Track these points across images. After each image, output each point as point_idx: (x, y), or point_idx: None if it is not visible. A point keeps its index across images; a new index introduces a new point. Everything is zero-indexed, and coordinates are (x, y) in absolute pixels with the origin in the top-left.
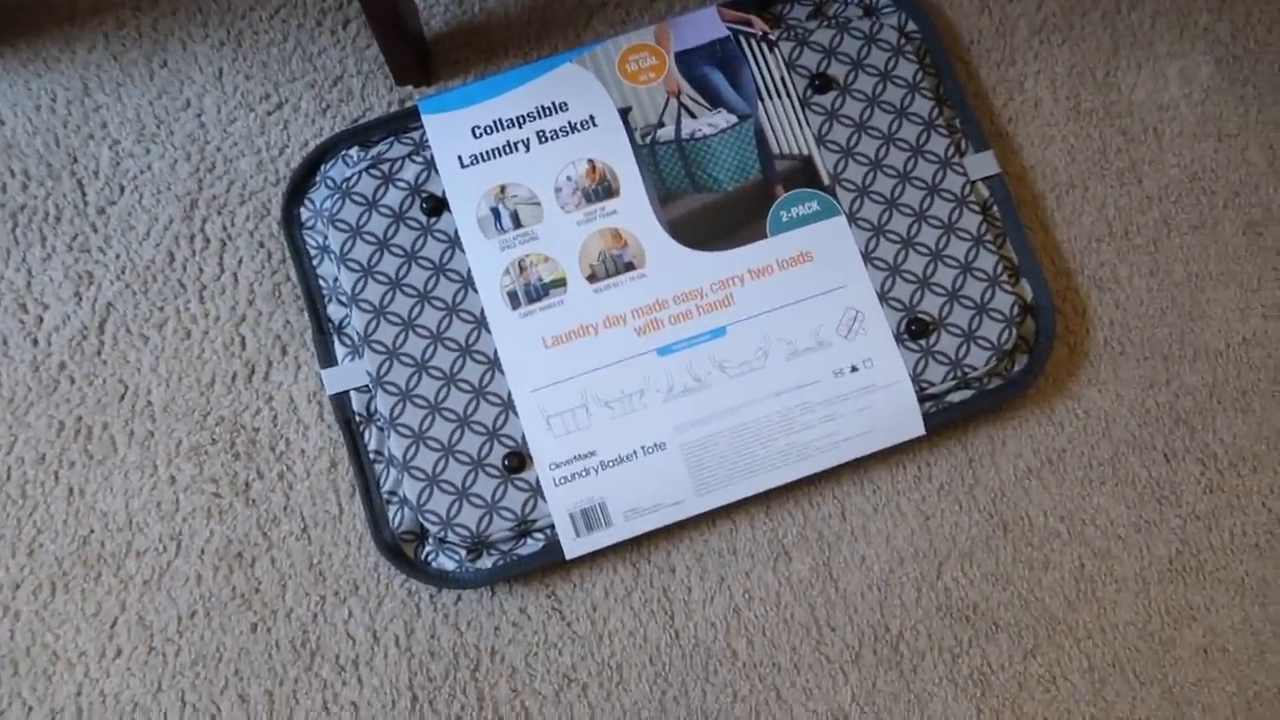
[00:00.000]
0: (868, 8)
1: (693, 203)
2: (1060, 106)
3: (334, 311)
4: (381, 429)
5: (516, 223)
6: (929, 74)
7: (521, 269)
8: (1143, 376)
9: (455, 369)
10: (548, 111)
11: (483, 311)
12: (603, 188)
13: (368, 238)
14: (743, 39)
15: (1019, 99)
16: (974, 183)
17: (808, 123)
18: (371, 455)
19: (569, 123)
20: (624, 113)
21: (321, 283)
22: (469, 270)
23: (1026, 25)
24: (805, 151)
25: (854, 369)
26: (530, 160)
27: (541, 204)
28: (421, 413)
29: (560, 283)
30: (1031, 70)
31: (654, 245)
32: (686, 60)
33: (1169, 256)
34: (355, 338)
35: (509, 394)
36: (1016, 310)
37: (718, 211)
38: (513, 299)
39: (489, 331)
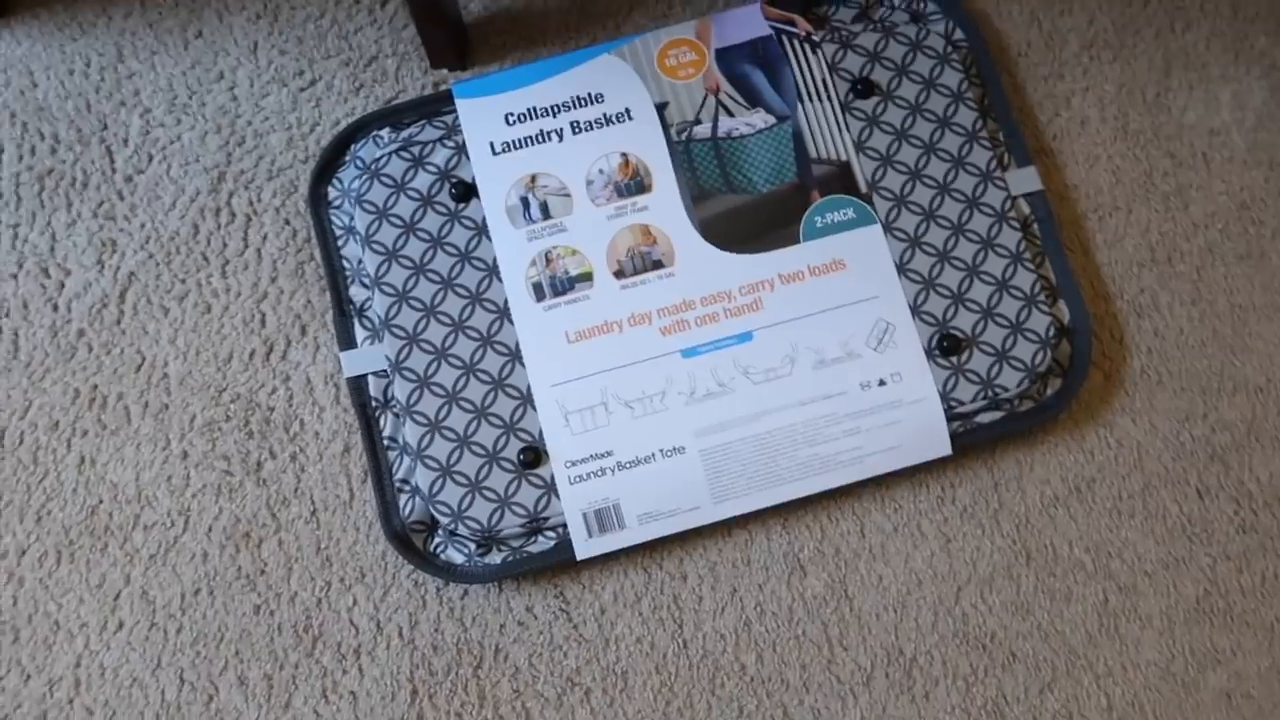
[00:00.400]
0: (915, 13)
1: (726, 203)
2: (1107, 125)
3: (356, 293)
4: (397, 415)
5: (546, 213)
6: (974, 84)
7: (548, 261)
8: (1179, 408)
9: (475, 359)
10: (583, 102)
11: (506, 302)
12: (635, 183)
13: (394, 220)
14: (785, 39)
15: (1065, 115)
16: (1015, 198)
17: (848, 128)
18: (386, 442)
19: (604, 115)
20: (660, 108)
21: (345, 264)
22: (494, 259)
23: (1077, 40)
24: (844, 157)
25: (882, 382)
26: (563, 151)
27: (572, 196)
28: (439, 401)
29: (587, 277)
30: (1080, 86)
31: (684, 244)
32: (727, 58)
33: (1212, 286)
34: (376, 321)
35: (528, 387)
36: (1052, 332)
37: (751, 213)
38: (537, 291)
39: (511, 322)
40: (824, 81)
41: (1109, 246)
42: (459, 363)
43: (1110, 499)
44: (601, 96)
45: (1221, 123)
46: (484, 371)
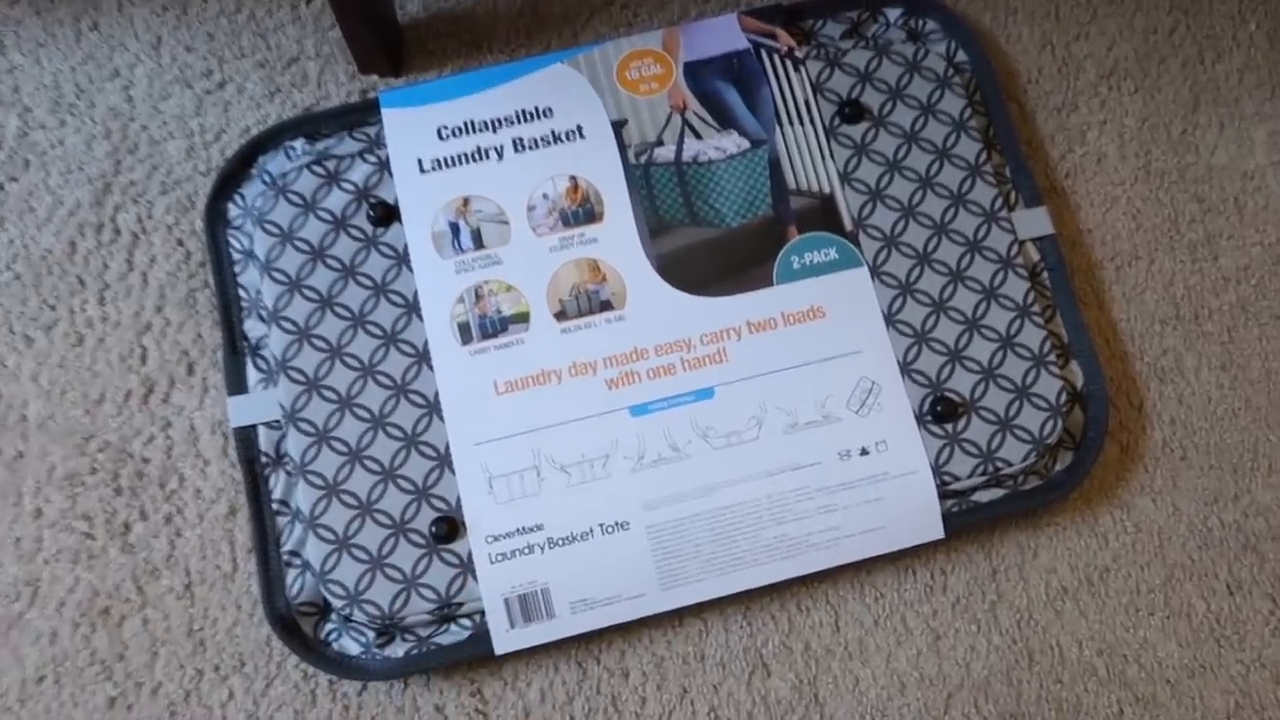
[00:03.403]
0: (912, 31)
1: (688, 237)
2: (1127, 164)
3: (252, 328)
4: (290, 474)
5: (478, 242)
6: (977, 112)
7: (478, 297)
8: (1206, 489)
9: (385, 410)
10: (529, 117)
11: (426, 344)
12: (584, 210)
13: (300, 245)
14: (764, 54)
15: (1080, 151)
16: (1023, 243)
17: (832, 156)
18: (275, 505)
19: (552, 132)
20: (618, 126)
21: (242, 293)
22: (415, 293)
23: (1094, 68)
24: (826, 189)
25: (864, 451)
26: (502, 171)
27: (510, 223)
28: (339, 460)
29: (522, 318)
30: (1096, 120)
31: (638, 283)
32: (697, 73)
33: (1245, 349)
34: (272, 362)
35: (446, 446)
36: (1064, 398)
37: (717, 250)
38: (464, 332)
39: (431, 368)
40: (806, 103)
41: (1128, 300)
42: (366, 414)
43: (1126, 593)
44: (550, 111)
45: (1255, 166)
46: (395, 425)
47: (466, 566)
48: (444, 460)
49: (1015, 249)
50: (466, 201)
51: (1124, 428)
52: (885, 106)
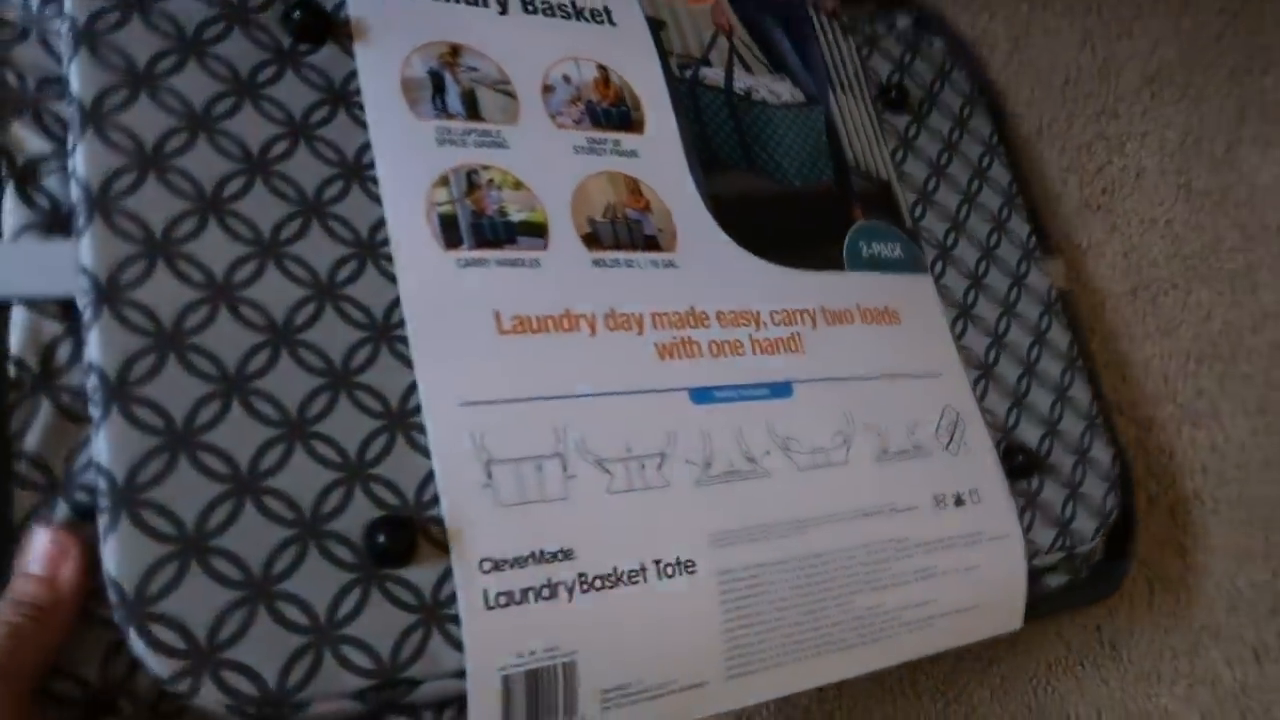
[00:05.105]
0: (909, 41)
1: (746, 184)
2: (1167, 181)
3: (18, 135)
4: (78, 406)
5: (472, 109)
6: (1003, 142)
7: (471, 186)
8: (1238, 545)
9: (296, 320)
10: None
11: (378, 233)
12: (619, 112)
13: (158, 22)
14: (812, 7)
15: (1118, 163)
16: (1060, 292)
17: (885, 141)
18: (29, 465)
19: (573, 2)
20: (655, 24)
21: (6, 74)
22: (362, 153)
23: (1137, 72)
24: (884, 176)
25: (959, 501)
26: (505, 27)
27: (518, 98)
28: (200, 389)
29: (537, 229)
30: (1138, 130)
31: (690, 225)
32: (743, 1)
33: None
34: (71, 198)
35: (407, 398)
36: (1118, 469)
37: (782, 209)
38: (448, 228)
39: (383, 271)
40: (856, 74)
41: (1162, 334)
42: (260, 321)
43: (1149, 657)
44: None
45: None
46: (311, 348)
47: (433, 611)
48: (397, 421)
49: (1054, 293)
50: (456, 51)
51: (1152, 475)
52: (923, 106)
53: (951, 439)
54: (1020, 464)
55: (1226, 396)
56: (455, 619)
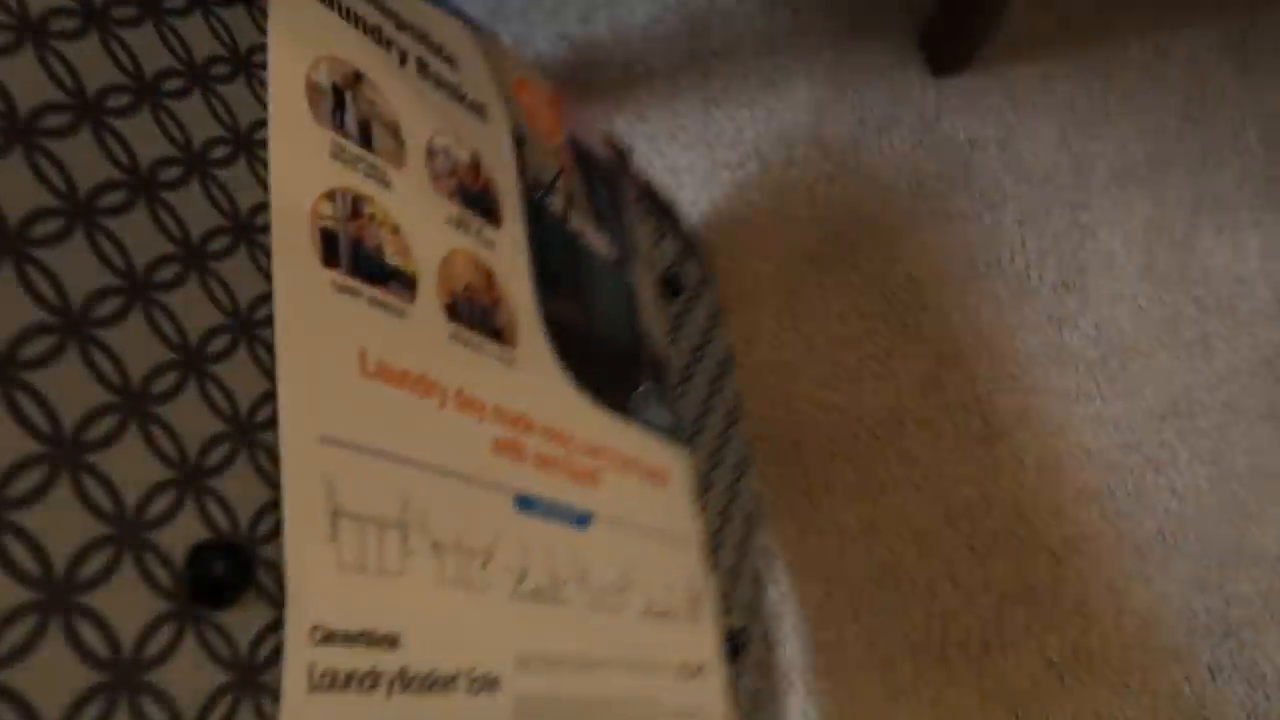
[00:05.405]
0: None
1: (574, 315)
2: (1133, 263)
3: None
4: None
5: (365, 139)
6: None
7: (355, 213)
8: (1194, 576)
9: (155, 277)
10: (436, 50)
11: (263, 217)
12: (485, 199)
13: None
14: (626, 180)
15: (1090, 247)
16: None
17: (662, 320)
18: None
19: (456, 86)
20: (518, 139)
21: None
22: (255, 129)
23: (1106, 168)
24: (664, 353)
25: (699, 671)
26: (402, 79)
27: (406, 147)
28: (29, 313)
29: (407, 280)
30: (1107, 219)
31: (528, 333)
32: (579, 152)
33: (1233, 445)
34: None
35: (258, 409)
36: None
37: (595, 349)
38: (328, 244)
39: (253, 258)
40: (648, 255)
41: (1130, 394)
42: (119, 263)
43: (1117, 673)
44: (455, 63)
45: (1249, 271)
46: (169, 316)
47: (250, 675)
48: (244, 431)
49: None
50: (358, 76)
51: (1121, 514)
52: (689, 301)
53: (693, 610)
54: (734, 648)
55: (1185, 447)
56: (272, 692)
